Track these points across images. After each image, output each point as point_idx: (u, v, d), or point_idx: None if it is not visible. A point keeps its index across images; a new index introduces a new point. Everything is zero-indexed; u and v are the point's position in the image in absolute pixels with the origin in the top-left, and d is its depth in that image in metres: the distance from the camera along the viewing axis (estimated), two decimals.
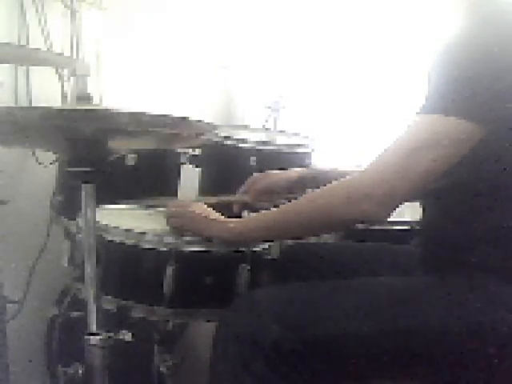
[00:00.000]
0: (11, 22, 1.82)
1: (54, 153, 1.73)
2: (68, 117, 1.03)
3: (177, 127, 1.13)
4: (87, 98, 1.20)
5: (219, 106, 2.42)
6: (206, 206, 1.40)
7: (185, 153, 1.83)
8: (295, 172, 1.55)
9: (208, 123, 1.15)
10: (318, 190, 1.23)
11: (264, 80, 2.37)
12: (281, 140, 1.93)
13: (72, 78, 1.88)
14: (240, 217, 1.37)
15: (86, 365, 1.13)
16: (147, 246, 1.34)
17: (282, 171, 1.57)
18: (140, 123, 1.07)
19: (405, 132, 1.15)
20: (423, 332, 1.13)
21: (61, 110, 1.07)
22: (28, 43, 1.83)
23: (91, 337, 1.12)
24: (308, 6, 2.34)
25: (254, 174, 1.58)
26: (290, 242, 1.54)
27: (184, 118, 1.07)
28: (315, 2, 2.34)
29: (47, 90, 1.91)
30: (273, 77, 2.36)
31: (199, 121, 1.11)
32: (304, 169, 1.60)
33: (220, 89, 2.41)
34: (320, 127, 2.29)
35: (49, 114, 1.02)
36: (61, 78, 1.91)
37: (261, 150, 1.77)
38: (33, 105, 1.87)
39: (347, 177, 1.20)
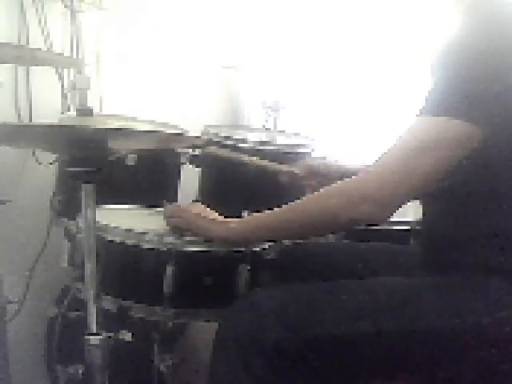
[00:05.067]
0: (11, 22, 1.82)
1: (54, 153, 1.73)
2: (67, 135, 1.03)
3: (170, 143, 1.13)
4: (88, 113, 1.20)
5: (220, 106, 2.42)
6: (204, 206, 1.40)
7: (185, 153, 1.83)
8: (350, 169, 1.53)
9: (202, 137, 1.15)
10: (319, 191, 1.23)
11: (264, 80, 2.37)
12: (281, 140, 1.93)
13: (71, 76, 1.88)
14: (240, 217, 1.37)
15: (86, 365, 1.13)
16: (147, 246, 1.34)
17: (342, 163, 1.58)
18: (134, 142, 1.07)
19: (405, 133, 1.15)
20: (423, 332, 1.13)
21: (62, 127, 1.08)
22: (28, 43, 1.83)
23: (91, 337, 1.12)
24: (308, 6, 2.34)
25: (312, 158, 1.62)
26: (289, 241, 1.54)
27: (179, 134, 1.08)
28: (315, 2, 2.34)
29: (47, 90, 1.91)
30: (273, 77, 2.36)
31: (197, 137, 1.12)
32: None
33: (221, 89, 2.41)
34: (320, 127, 2.29)
35: (50, 131, 1.03)
36: (61, 78, 1.91)
37: (261, 149, 1.76)
38: (33, 105, 1.87)
39: (347, 179, 1.20)
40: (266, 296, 1.19)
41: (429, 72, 1.17)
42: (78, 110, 1.21)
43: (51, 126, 1.06)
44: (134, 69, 2.09)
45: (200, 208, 1.39)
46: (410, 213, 1.67)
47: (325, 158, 1.61)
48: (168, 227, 1.39)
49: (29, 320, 1.91)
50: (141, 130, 1.16)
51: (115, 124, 1.11)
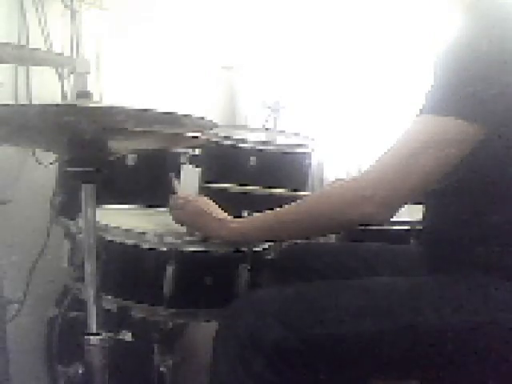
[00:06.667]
0: (11, 21, 1.82)
1: (54, 153, 1.73)
2: (67, 114, 1.03)
3: (178, 125, 1.13)
4: (87, 96, 1.19)
5: (220, 106, 2.42)
6: (211, 201, 1.39)
7: (185, 153, 1.83)
8: None
9: (209, 121, 1.15)
10: (319, 192, 1.23)
11: (264, 80, 2.37)
12: (281, 140, 1.93)
13: (72, 76, 1.88)
14: (240, 217, 1.37)
15: (85, 365, 1.13)
16: (147, 246, 1.34)
17: None
18: (139, 121, 1.07)
19: (405, 133, 1.15)
20: (424, 332, 1.13)
21: (59, 107, 1.07)
22: (28, 43, 1.83)
23: (91, 337, 1.12)
24: (308, 6, 2.34)
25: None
26: (289, 241, 1.54)
27: (186, 116, 1.07)
28: (315, 2, 2.34)
29: (47, 90, 1.91)
30: (273, 77, 2.36)
31: (201, 118, 1.12)
32: None
33: (220, 89, 2.41)
34: (320, 127, 2.29)
35: (47, 111, 1.02)
36: (61, 77, 1.91)
37: (261, 149, 1.77)
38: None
39: (348, 179, 1.20)
40: (266, 296, 1.19)
41: (430, 72, 1.17)
42: (76, 94, 1.20)
43: (46, 106, 1.05)
44: (134, 68, 2.09)
45: (205, 201, 1.38)
46: (411, 213, 1.67)
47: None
48: (168, 227, 1.39)
49: (29, 320, 1.90)
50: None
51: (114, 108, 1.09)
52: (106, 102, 1.97)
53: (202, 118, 1.12)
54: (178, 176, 1.87)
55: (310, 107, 2.36)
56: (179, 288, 1.33)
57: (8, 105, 1.15)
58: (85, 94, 1.19)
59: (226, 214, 1.34)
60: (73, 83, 1.86)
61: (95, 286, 1.13)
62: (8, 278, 1.61)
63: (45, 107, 1.03)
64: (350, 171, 2.28)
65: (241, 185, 1.71)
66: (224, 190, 1.67)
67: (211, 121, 1.15)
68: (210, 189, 1.76)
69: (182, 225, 1.36)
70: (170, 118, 1.09)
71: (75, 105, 1.08)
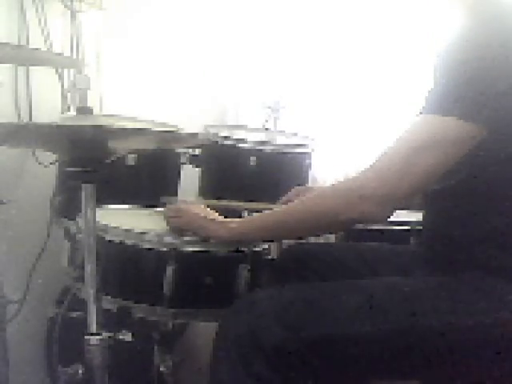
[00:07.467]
0: (11, 21, 1.82)
1: (54, 153, 1.73)
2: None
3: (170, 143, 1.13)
4: (88, 112, 1.20)
5: (219, 106, 2.42)
6: (204, 206, 1.40)
7: (185, 153, 1.83)
8: None
9: (201, 134, 1.16)
10: (318, 191, 1.23)
11: (264, 80, 2.37)
12: (281, 140, 1.93)
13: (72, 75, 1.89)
14: (240, 217, 1.37)
15: (86, 365, 1.13)
16: (147, 246, 1.34)
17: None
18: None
19: (405, 132, 1.15)
20: (424, 332, 1.13)
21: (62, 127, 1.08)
22: (28, 43, 1.83)
23: (91, 337, 1.12)
24: (308, 5, 2.34)
25: (297, 187, 1.57)
26: (289, 241, 1.54)
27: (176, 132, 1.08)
28: (315, 1, 2.34)
29: (47, 90, 1.91)
30: (273, 77, 2.35)
31: (195, 134, 1.12)
32: None
33: (220, 89, 2.41)
34: (320, 127, 2.29)
35: (50, 131, 1.03)
36: (61, 78, 1.91)
37: (261, 150, 1.77)
38: (33, 105, 1.87)
39: (347, 177, 1.20)
40: (266, 296, 1.19)
41: (430, 72, 1.17)
42: (77, 110, 1.20)
43: (51, 126, 1.06)
44: (134, 69, 2.09)
45: (200, 208, 1.39)
46: (411, 213, 1.67)
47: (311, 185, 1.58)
48: (168, 227, 1.39)
49: (29, 320, 1.91)
50: (141, 129, 1.15)
51: (115, 124, 1.11)
52: (106, 101, 1.98)
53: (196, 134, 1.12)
54: (178, 176, 1.87)
55: (310, 107, 2.36)
56: (179, 288, 1.33)
57: (10, 124, 1.16)
58: (86, 111, 1.19)
59: (222, 216, 1.35)
60: (72, 80, 1.86)
61: (95, 286, 1.14)
62: (8, 278, 1.61)
63: (46, 128, 1.04)
64: (349, 171, 2.27)
65: (240, 189, 1.72)
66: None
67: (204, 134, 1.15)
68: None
69: (181, 234, 1.35)
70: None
71: (74, 125, 1.08)
